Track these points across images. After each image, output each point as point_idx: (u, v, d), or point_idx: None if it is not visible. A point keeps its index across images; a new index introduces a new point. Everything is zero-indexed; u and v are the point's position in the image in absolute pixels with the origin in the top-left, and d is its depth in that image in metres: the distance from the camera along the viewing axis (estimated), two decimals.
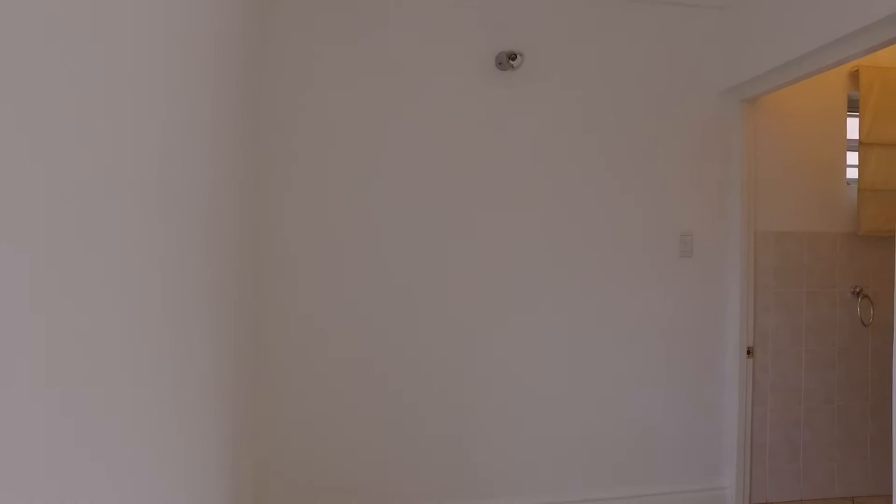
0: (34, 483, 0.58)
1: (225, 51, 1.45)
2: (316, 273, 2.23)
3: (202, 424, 1.27)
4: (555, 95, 2.36)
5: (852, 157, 2.85)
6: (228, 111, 1.52)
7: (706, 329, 2.55)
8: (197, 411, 1.22)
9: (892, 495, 2.61)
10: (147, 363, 0.91)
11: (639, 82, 2.45)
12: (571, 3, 2.42)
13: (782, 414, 2.69)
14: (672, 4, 2.51)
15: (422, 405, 2.30)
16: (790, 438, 2.69)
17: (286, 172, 2.21)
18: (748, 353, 2.56)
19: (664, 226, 2.48)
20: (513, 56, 2.28)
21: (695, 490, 2.54)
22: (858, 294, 2.79)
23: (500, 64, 2.32)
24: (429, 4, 2.31)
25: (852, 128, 2.84)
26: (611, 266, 2.42)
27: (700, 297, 2.54)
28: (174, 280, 1.04)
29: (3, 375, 0.52)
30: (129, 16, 0.80)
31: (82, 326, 0.68)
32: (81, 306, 0.68)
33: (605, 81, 2.42)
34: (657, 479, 2.50)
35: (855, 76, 2.78)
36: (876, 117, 2.74)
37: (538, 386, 2.36)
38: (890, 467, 2.85)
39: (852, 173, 2.85)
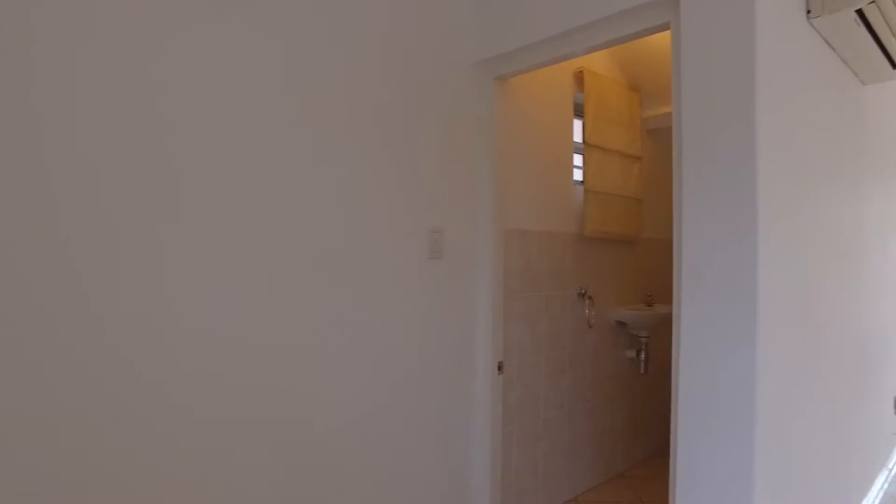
0: None
1: None
2: None
3: None
4: (254, 40, 1.61)
5: (577, 158, 2.84)
6: None
7: (458, 343, 2.14)
8: None
9: (601, 485, 2.72)
10: None
11: (385, 40, 1.87)
12: None
13: (526, 430, 2.46)
14: None
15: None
16: (532, 454, 2.49)
17: None
18: (499, 368, 2.24)
19: (412, 221, 1.97)
20: None
21: None
22: (584, 296, 2.78)
23: None
24: None
25: (576, 128, 2.84)
26: (349, 272, 1.79)
27: (451, 306, 2.11)
28: None
29: None
30: None
31: None
32: None
33: (333, 33, 1.77)
34: None
35: (580, 77, 2.76)
36: (596, 120, 2.77)
37: (256, 412, 1.58)
38: (601, 461, 2.91)
39: (577, 174, 2.85)
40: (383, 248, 1.87)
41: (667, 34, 2.83)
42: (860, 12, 1.80)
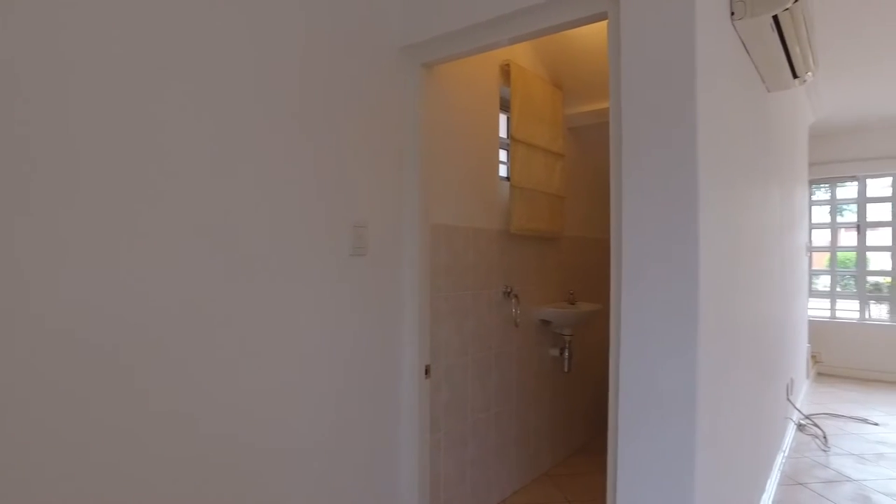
0: None
1: None
2: None
3: None
4: (156, 21, 1.39)
5: (501, 154, 2.79)
6: None
7: (383, 346, 2.00)
8: None
9: (527, 486, 2.68)
10: None
11: (302, 21, 1.69)
12: None
13: (454, 436, 2.37)
14: None
15: None
16: (460, 460, 2.40)
17: None
18: (426, 372, 2.13)
19: (334, 215, 1.81)
20: None
21: None
22: (510, 294, 2.73)
23: None
24: None
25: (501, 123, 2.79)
26: (268, 270, 1.60)
27: (375, 307, 1.97)
28: None
29: None
30: None
31: None
32: None
33: (244, 14, 1.57)
34: None
35: (506, 71, 2.71)
36: (521, 115, 2.73)
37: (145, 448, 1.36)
38: (527, 462, 2.89)
39: (502, 170, 2.80)
40: (302, 243, 1.70)
41: (592, 30, 2.86)
42: (776, 18, 1.86)
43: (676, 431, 1.39)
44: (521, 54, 2.82)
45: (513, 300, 2.74)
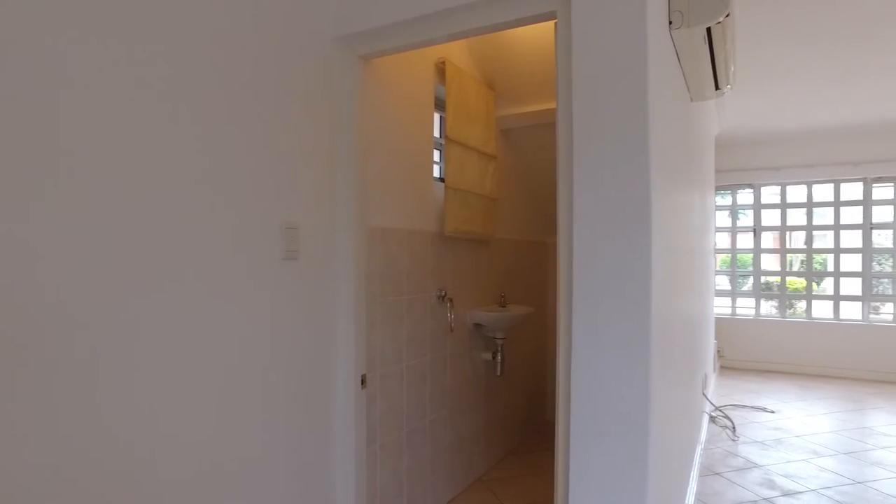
0: None
1: None
2: None
3: None
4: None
5: (435, 153, 2.72)
6: None
7: (316, 357, 1.86)
8: None
9: (462, 493, 2.65)
10: None
11: (228, 5, 1.53)
12: None
13: (390, 447, 2.26)
14: None
15: None
16: (396, 471, 2.30)
17: None
18: (362, 382, 2.01)
19: (264, 216, 1.65)
20: None
21: None
22: (444, 298, 2.66)
23: None
24: None
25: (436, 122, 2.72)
26: (189, 276, 1.42)
27: (308, 314, 1.83)
28: None
29: None
30: None
31: None
32: None
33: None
34: None
35: (442, 69, 2.64)
36: (456, 115, 2.68)
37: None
38: (461, 468, 2.84)
39: (436, 170, 2.72)
40: (227, 247, 1.53)
41: (527, 32, 2.86)
42: (708, 30, 1.92)
43: (631, 437, 1.38)
44: (456, 52, 2.77)
45: (447, 304, 2.67)
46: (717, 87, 2.54)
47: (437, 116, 2.72)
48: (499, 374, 3.06)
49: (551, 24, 1.65)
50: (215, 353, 1.49)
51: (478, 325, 2.98)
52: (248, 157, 1.59)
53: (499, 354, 3.04)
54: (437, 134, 2.71)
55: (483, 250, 3.11)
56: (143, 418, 1.30)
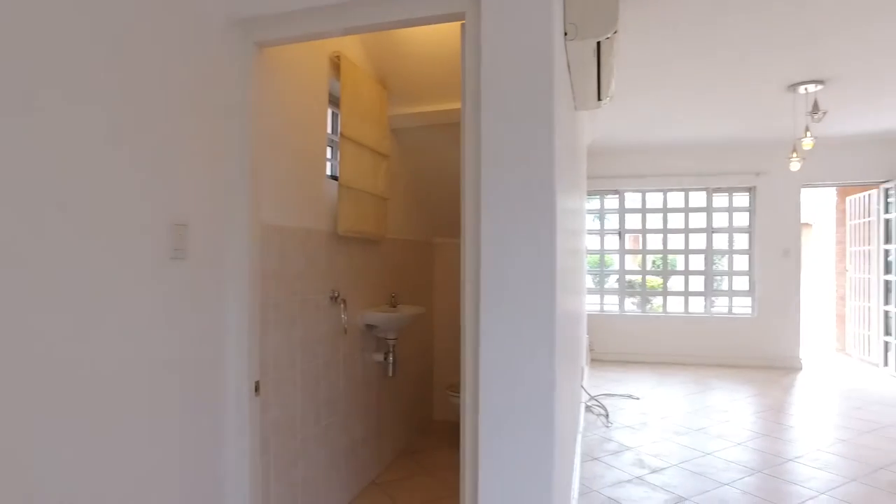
0: None
1: None
2: None
3: None
4: None
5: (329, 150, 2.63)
6: None
7: (205, 363, 1.71)
8: None
9: (357, 497, 2.59)
10: None
11: None
12: None
13: (284, 456, 2.15)
14: None
15: None
16: (291, 481, 2.19)
17: None
18: (256, 389, 1.89)
19: (149, 213, 1.49)
20: None
21: None
22: (336, 299, 2.58)
23: None
24: None
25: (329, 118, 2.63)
26: (64, 278, 1.23)
27: (197, 318, 1.68)
28: None
29: None
30: None
31: None
32: None
33: None
34: None
35: (336, 63, 2.56)
36: (351, 111, 2.61)
37: None
38: (355, 473, 2.78)
39: (328, 167, 2.64)
40: (105, 245, 1.36)
41: (422, 32, 2.86)
42: (598, 44, 2.06)
43: (538, 429, 1.42)
44: (350, 47, 2.70)
45: (341, 305, 2.60)
46: (599, 98, 2.73)
47: (329, 112, 2.63)
48: (391, 374, 3.03)
49: (447, 26, 1.67)
50: (90, 365, 1.31)
51: (370, 326, 2.93)
52: (131, 148, 1.42)
53: (391, 355, 3.01)
54: (329, 130, 2.63)
55: (375, 250, 3.07)
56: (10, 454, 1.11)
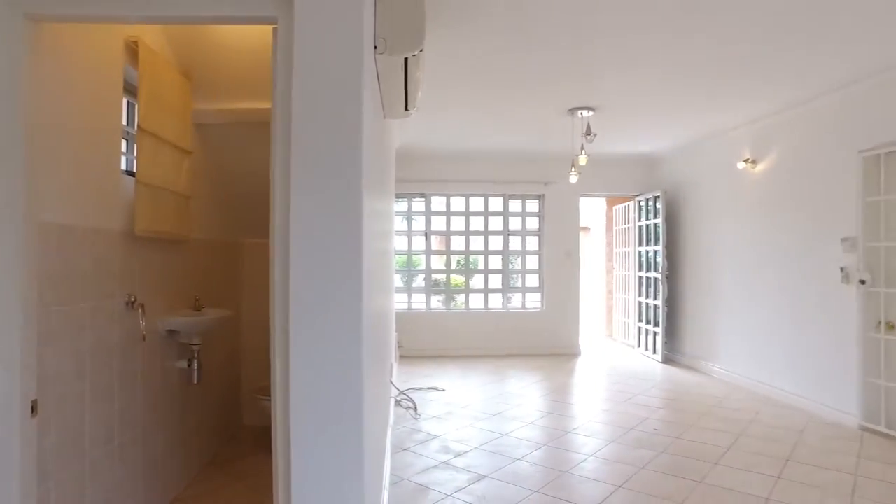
0: None
1: None
2: None
3: None
4: None
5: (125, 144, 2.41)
6: None
7: None
8: None
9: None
10: None
11: None
12: None
13: (69, 483, 1.92)
14: None
15: None
16: None
17: None
18: (32, 409, 1.67)
19: None
20: None
21: None
22: (133, 304, 2.38)
23: None
24: None
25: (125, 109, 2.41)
26: None
27: None
28: None
29: None
30: None
31: None
32: None
33: None
34: None
35: (133, 49, 2.36)
36: (150, 103, 2.43)
37: None
38: (157, 492, 2.59)
39: (124, 161, 2.42)
40: None
41: (230, 27, 2.76)
42: (406, 60, 2.22)
43: (349, 431, 1.48)
44: (149, 31, 2.50)
45: (138, 311, 2.40)
46: (406, 108, 2.91)
47: (125, 102, 2.42)
48: (195, 382, 2.87)
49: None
50: None
51: (172, 332, 2.75)
52: None
53: (195, 361, 2.85)
54: (125, 122, 2.41)
55: (176, 251, 2.88)
56: None
